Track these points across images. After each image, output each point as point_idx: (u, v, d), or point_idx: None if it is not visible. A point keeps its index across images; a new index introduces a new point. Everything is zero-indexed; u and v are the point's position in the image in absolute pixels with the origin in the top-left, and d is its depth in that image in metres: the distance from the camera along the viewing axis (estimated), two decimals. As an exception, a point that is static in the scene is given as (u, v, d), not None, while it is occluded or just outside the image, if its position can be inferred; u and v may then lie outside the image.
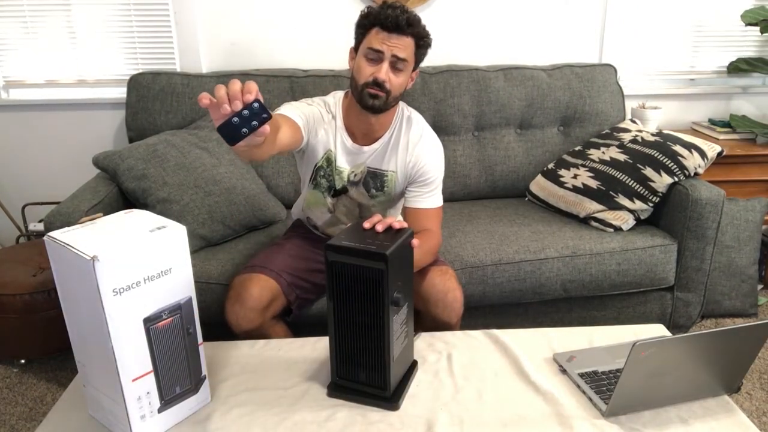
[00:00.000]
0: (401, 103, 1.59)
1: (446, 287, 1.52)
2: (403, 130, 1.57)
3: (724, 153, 2.06)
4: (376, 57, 1.41)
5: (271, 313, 1.51)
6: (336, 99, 1.58)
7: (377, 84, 1.41)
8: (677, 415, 1.09)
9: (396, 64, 1.42)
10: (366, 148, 1.56)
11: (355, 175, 1.58)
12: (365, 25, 1.43)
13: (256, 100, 0.96)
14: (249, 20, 2.41)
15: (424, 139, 1.58)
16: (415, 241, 1.18)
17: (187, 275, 1.05)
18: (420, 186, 1.58)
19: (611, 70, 2.41)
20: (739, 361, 1.09)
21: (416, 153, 1.56)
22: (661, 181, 1.96)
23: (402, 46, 1.40)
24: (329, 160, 1.57)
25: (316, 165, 1.58)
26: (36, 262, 2.09)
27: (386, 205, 1.66)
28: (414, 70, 1.50)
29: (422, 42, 1.45)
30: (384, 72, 1.41)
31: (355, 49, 1.49)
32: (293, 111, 1.47)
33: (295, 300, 1.57)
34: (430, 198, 1.58)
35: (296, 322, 1.62)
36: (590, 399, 1.13)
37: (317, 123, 1.53)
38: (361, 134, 1.55)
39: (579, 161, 2.18)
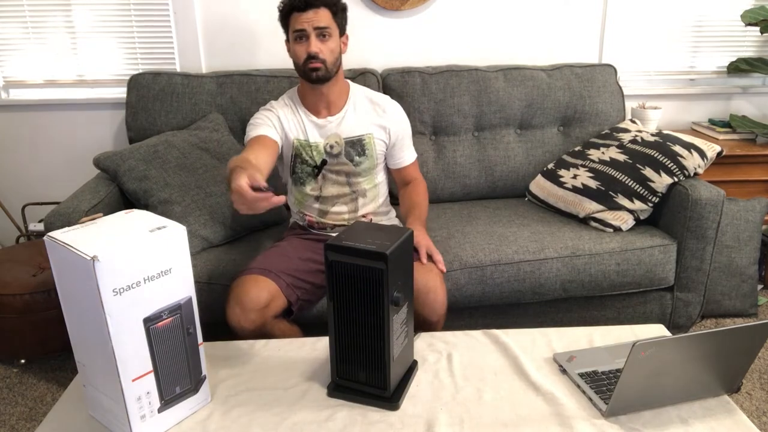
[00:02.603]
0: (350, 83, 1.74)
1: (428, 287, 1.53)
2: (361, 97, 1.73)
3: (724, 153, 2.06)
4: (302, 36, 1.56)
5: (272, 313, 1.51)
6: (292, 91, 1.75)
7: (312, 57, 1.56)
8: (677, 415, 1.09)
9: (321, 33, 1.56)
10: (331, 118, 1.69)
11: (331, 146, 1.67)
12: (284, 15, 1.59)
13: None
14: (249, 20, 2.41)
15: (388, 101, 1.74)
16: (425, 260, 1.52)
17: (187, 275, 1.05)
18: (400, 146, 1.76)
19: (611, 70, 2.41)
20: (739, 361, 1.09)
21: (389, 113, 1.71)
22: (661, 182, 1.96)
23: (318, 17, 1.54)
24: (302, 145, 1.67)
25: (292, 155, 1.69)
26: (36, 262, 2.09)
27: (372, 172, 1.74)
28: (342, 35, 1.64)
29: (336, 8, 1.59)
30: (313, 45, 1.55)
31: (288, 39, 1.63)
32: (263, 128, 1.64)
33: (297, 301, 1.57)
34: (410, 153, 1.79)
35: (296, 322, 1.62)
36: (590, 399, 1.13)
37: (276, 121, 1.67)
38: (323, 107, 1.69)
39: (579, 161, 2.18)
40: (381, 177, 1.78)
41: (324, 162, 1.67)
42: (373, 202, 1.76)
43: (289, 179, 1.77)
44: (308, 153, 1.68)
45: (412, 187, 1.78)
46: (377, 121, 1.71)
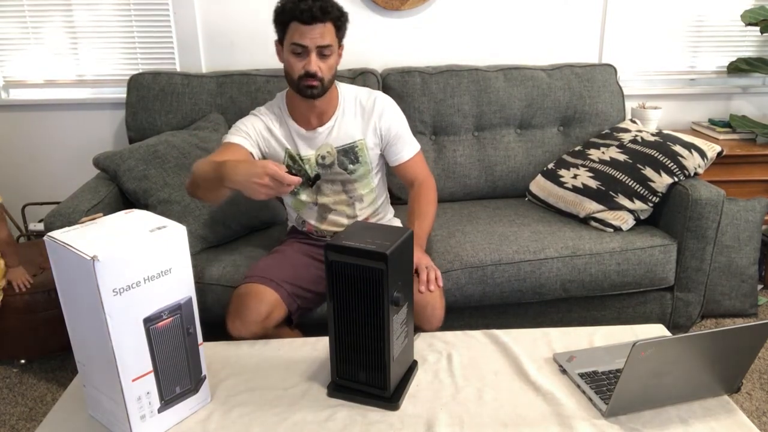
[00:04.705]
0: (338, 85, 1.65)
1: (425, 301, 1.48)
2: (350, 100, 1.64)
3: (724, 153, 2.06)
4: (301, 51, 1.46)
5: (273, 323, 1.50)
6: (279, 98, 1.65)
7: (310, 75, 1.47)
8: (677, 415, 1.09)
9: (322, 51, 1.47)
10: (321, 129, 1.61)
11: (323, 157, 1.62)
12: (283, 21, 1.47)
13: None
14: (249, 20, 2.41)
15: (377, 98, 1.64)
16: (424, 287, 1.41)
17: (187, 275, 1.05)
18: (395, 142, 1.65)
19: (611, 70, 2.41)
20: (739, 361, 1.09)
21: (377, 112, 1.63)
22: (661, 181, 1.96)
23: (322, 34, 1.44)
24: (292, 157, 1.62)
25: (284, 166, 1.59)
26: (36, 262, 2.09)
27: (368, 179, 1.68)
28: (339, 47, 1.54)
29: (341, 22, 1.49)
30: (313, 63, 1.46)
31: (280, 42, 1.52)
32: (238, 137, 1.56)
33: (297, 310, 1.56)
34: (408, 147, 1.67)
35: (298, 326, 1.62)
36: (590, 399, 1.13)
37: (264, 131, 1.60)
38: (314, 118, 1.60)
39: (579, 161, 2.18)
40: (377, 180, 1.72)
41: (318, 176, 1.60)
42: (371, 205, 1.72)
43: None
44: (300, 166, 1.61)
45: (416, 193, 1.65)
46: (367, 124, 1.62)
